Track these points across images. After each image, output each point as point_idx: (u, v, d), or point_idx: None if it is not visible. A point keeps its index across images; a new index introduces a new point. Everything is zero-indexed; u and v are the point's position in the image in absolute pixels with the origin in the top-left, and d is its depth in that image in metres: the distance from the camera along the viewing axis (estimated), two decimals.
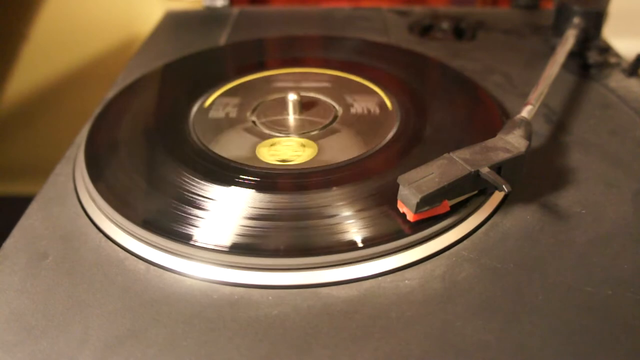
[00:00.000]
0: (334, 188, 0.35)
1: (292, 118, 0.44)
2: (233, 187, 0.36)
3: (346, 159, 0.38)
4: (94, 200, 0.36)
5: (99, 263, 0.32)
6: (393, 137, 0.41)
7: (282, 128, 0.42)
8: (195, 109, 0.45)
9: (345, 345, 0.27)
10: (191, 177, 0.37)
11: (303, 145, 0.40)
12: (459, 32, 0.62)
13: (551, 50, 0.47)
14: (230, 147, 0.40)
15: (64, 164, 0.41)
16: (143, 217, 0.34)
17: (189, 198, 0.35)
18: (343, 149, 0.39)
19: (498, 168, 0.33)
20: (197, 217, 0.34)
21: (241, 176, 0.37)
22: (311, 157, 0.39)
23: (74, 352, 0.27)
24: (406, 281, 0.31)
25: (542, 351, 0.27)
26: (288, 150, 0.40)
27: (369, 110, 0.44)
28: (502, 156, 0.34)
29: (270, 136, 0.42)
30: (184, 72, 0.52)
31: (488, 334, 0.28)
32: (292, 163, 0.38)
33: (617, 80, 0.50)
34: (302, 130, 0.42)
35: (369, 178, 0.36)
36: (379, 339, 0.28)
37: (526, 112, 0.38)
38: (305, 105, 0.45)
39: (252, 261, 0.31)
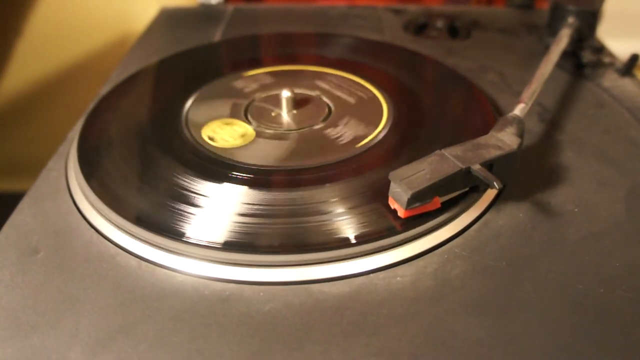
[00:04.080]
0: (327, 185, 0.35)
1: (285, 114, 0.43)
2: (226, 184, 0.36)
3: (338, 155, 0.38)
4: (85, 196, 0.36)
5: (90, 258, 0.32)
6: (386, 134, 0.41)
7: (274, 124, 0.42)
8: (188, 104, 0.45)
9: (336, 341, 0.27)
10: (184, 173, 0.37)
11: (242, 136, 0.40)
12: (454, 30, 0.62)
13: (546, 49, 0.47)
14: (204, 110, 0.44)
15: (56, 159, 0.41)
16: (135, 213, 0.34)
17: (181, 194, 0.35)
18: (269, 154, 0.39)
19: (490, 165, 0.33)
20: (189, 213, 0.34)
21: (234, 173, 0.37)
22: (231, 146, 0.40)
23: (64, 348, 0.27)
24: (398, 278, 0.31)
25: (533, 348, 0.27)
26: (227, 133, 0.41)
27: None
28: (493, 153, 0.34)
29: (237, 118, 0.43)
30: (178, 69, 0.52)
31: (480, 331, 0.28)
32: (213, 144, 0.40)
33: (611, 80, 0.50)
34: (296, 127, 0.42)
35: (362, 175, 0.36)
36: (370, 335, 0.28)
37: (519, 110, 0.38)
38: (298, 103, 0.45)
39: (243, 258, 0.31)
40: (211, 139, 0.40)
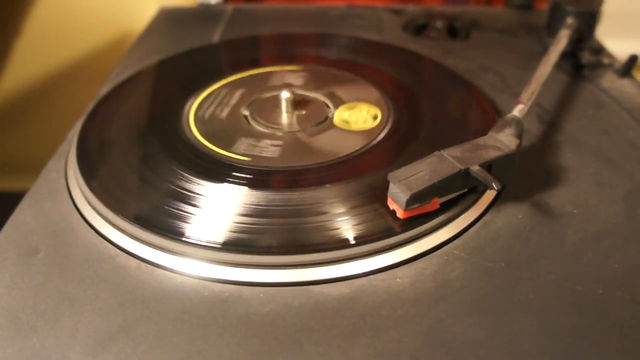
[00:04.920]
0: (327, 185, 0.35)
1: (285, 115, 0.43)
2: (225, 184, 0.36)
3: (339, 155, 0.38)
4: (85, 197, 0.36)
5: (90, 259, 0.32)
6: (385, 135, 0.41)
7: (274, 125, 0.42)
8: (188, 105, 0.45)
9: (336, 342, 0.27)
10: (183, 174, 0.37)
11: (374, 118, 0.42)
12: (453, 31, 0.62)
13: (545, 50, 0.47)
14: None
15: (56, 159, 0.41)
16: (134, 214, 0.34)
17: (181, 195, 0.35)
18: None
19: (489, 166, 0.33)
20: (189, 214, 0.34)
21: (234, 173, 0.37)
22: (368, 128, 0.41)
23: (64, 348, 0.27)
24: (397, 279, 0.31)
25: (532, 350, 0.27)
26: (358, 116, 0.43)
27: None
28: (492, 154, 0.34)
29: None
30: (178, 69, 0.52)
31: (479, 332, 0.28)
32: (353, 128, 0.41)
33: (610, 81, 0.50)
34: (295, 128, 0.42)
35: (361, 176, 0.36)
36: (370, 337, 0.28)
37: (518, 110, 0.38)
38: (298, 103, 0.45)
39: (243, 259, 0.31)
40: (346, 122, 0.42)
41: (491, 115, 0.43)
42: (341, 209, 0.34)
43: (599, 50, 0.55)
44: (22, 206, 0.36)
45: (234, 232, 0.32)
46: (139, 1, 0.79)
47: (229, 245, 0.32)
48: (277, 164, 0.38)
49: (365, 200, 0.34)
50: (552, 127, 0.44)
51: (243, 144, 0.40)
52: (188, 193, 0.35)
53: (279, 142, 0.40)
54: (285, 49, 0.57)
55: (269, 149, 0.40)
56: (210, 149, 0.39)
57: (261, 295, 0.30)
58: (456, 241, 0.33)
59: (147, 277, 0.31)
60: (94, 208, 0.35)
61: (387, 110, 0.44)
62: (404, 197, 0.31)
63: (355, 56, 0.53)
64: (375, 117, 0.42)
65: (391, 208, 0.33)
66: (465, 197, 0.34)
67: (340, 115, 0.43)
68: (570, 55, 0.53)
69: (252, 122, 0.43)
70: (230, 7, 0.70)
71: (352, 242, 0.31)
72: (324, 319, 0.29)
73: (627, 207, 0.36)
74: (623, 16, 0.77)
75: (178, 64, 0.53)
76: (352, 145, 0.39)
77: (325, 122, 0.43)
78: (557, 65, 0.47)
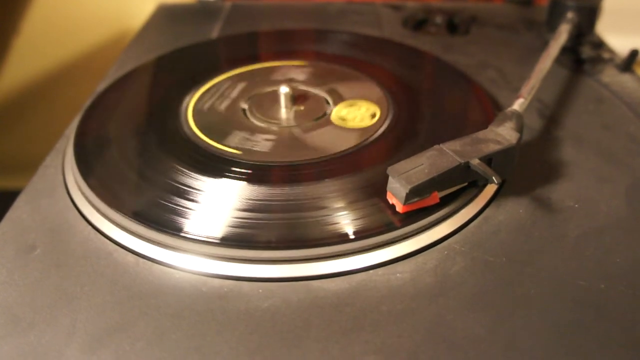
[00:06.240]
0: (326, 180, 0.35)
1: (283, 110, 0.43)
2: (224, 179, 0.35)
3: (337, 151, 0.38)
4: (82, 193, 0.36)
5: (87, 255, 0.32)
6: (385, 130, 0.40)
7: (273, 120, 0.42)
8: (186, 100, 0.45)
9: (335, 338, 0.27)
10: (181, 169, 0.36)
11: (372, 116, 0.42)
12: (453, 26, 0.62)
13: (545, 45, 0.47)
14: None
15: (53, 155, 0.41)
16: (132, 209, 0.33)
17: (179, 190, 0.35)
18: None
19: (489, 160, 0.33)
20: (187, 209, 0.33)
21: (232, 168, 0.36)
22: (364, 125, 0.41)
23: (61, 345, 0.27)
24: (398, 274, 0.30)
25: (533, 345, 0.27)
26: (355, 113, 0.42)
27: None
28: (492, 148, 0.33)
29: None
30: (176, 65, 0.52)
31: (480, 327, 0.28)
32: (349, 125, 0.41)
33: (611, 76, 0.50)
34: (294, 123, 0.42)
35: (361, 170, 0.36)
36: (370, 332, 0.27)
37: (518, 105, 0.38)
38: (297, 98, 0.44)
39: (242, 254, 0.31)
40: (344, 119, 0.42)
41: (491, 111, 0.43)
42: (340, 204, 0.33)
43: (599, 45, 0.55)
44: (19, 203, 0.36)
45: (232, 227, 0.32)
46: None
47: (228, 240, 0.31)
48: (276, 158, 0.38)
49: (364, 194, 0.34)
50: (552, 122, 0.43)
51: (236, 137, 0.40)
52: (186, 188, 0.35)
53: (273, 137, 0.40)
54: (284, 45, 0.56)
55: (262, 143, 0.39)
56: (204, 142, 0.39)
57: (260, 290, 0.30)
58: (457, 236, 0.33)
59: (145, 273, 0.31)
60: (91, 204, 0.35)
61: (387, 105, 0.43)
62: (403, 191, 0.31)
63: (355, 52, 0.53)
64: (373, 116, 0.41)
65: (391, 202, 0.33)
66: (465, 191, 0.34)
67: (338, 113, 0.42)
68: (571, 50, 0.53)
69: (250, 116, 0.43)
70: (228, 4, 0.69)
71: (352, 236, 0.31)
72: (324, 314, 0.28)
73: (629, 201, 0.36)
74: (623, 12, 0.77)
75: (176, 60, 0.53)
76: (346, 143, 0.39)
77: (323, 118, 0.42)
78: (558, 60, 0.47)
